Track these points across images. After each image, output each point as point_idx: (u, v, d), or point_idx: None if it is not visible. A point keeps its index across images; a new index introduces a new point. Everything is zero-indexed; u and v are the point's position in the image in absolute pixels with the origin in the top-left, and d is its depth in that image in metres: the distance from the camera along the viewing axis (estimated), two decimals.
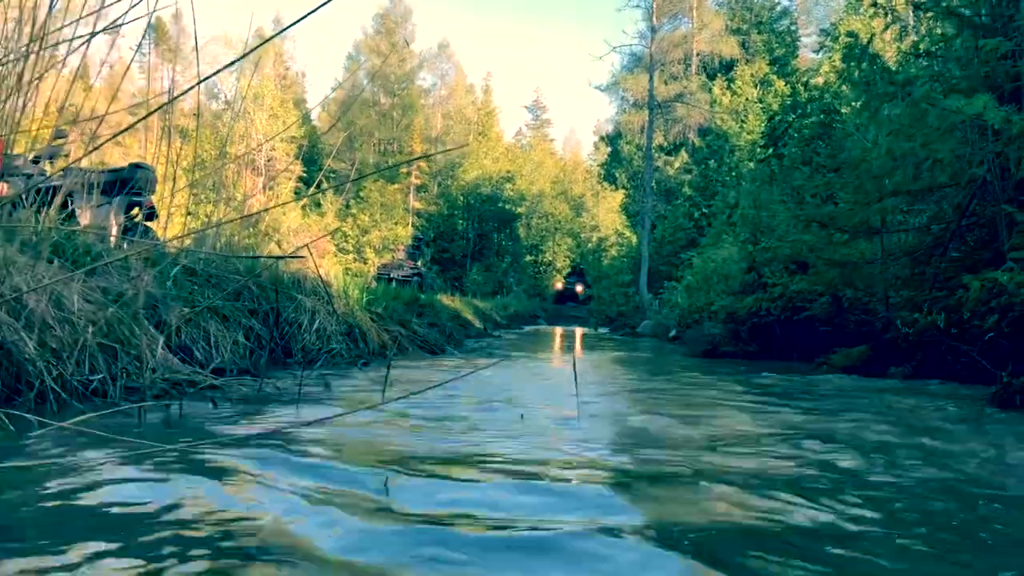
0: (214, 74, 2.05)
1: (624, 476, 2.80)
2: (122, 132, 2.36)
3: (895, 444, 3.74)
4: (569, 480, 2.67)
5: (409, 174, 48.09)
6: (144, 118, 2.15)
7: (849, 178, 8.98)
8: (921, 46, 8.78)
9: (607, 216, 50.15)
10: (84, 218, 7.35)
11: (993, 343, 6.86)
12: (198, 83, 2.25)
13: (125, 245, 6.73)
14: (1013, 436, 4.12)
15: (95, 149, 2.77)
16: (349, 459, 2.85)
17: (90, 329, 4.12)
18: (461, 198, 47.56)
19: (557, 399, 5.12)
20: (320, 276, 7.50)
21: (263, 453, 2.80)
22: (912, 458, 3.36)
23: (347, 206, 44.85)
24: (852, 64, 8.05)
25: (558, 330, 23.99)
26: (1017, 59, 7.51)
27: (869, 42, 7.98)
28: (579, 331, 23.43)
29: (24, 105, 4.54)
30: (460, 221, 47.56)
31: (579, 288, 42.72)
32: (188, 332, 5.36)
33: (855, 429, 4.22)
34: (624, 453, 3.36)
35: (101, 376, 4.06)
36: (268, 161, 39.43)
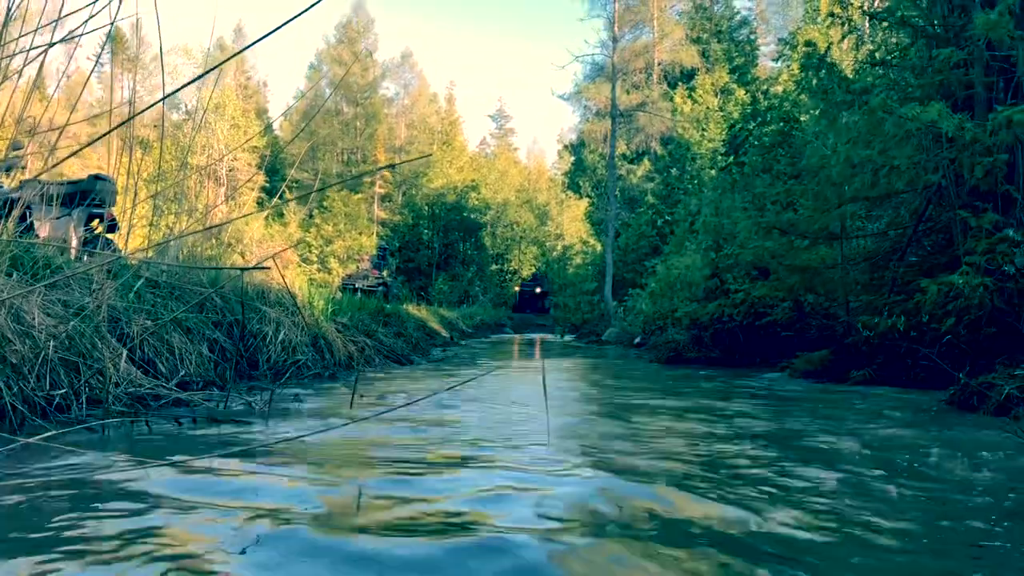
0: (178, 90, 2.04)
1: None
2: (84, 147, 2.33)
3: (844, 443, 3.81)
4: None
5: (373, 184, 47.91)
6: (107, 133, 2.12)
7: (809, 185, 9.12)
8: (877, 55, 8.97)
9: (571, 225, 50.36)
10: (43, 231, 7.22)
11: (950, 346, 7.01)
12: (161, 99, 2.23)
13: (86, 258, 6.62)
14: (968, 435, 4.21)
15: (56, 165, 2.73)
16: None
17: (51, 343, 4.05)
18: (426, 207, 47.49)
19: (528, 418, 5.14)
20: (286, 286, 7.45)
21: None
22: (856, 456, 3.43)
23: (310, 216, 44.55)
24: (810, 73, 8.19)
25: (524, 338, 24.02)
26: (969, 68, 7.70)
27: (827, 51, 8.13)
28: (545, 338, 23.48)
29: None
30: (425, 231, 47.47)
31: (537, 289, 42.94)
32: (151, 345, 5.29)
33: (810, 430, 4.29)
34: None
35: (63, 391, 4.00)
36: (230, 171, 39.06)
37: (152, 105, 2.18)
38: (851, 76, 9.11)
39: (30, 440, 3.08)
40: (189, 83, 2.05)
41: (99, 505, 2.17)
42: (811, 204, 8.85)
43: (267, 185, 36.40)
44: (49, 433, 3.24)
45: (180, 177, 7.77)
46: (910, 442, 3.93)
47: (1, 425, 3.47)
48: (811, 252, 9.35)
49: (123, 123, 2.75)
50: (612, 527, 2.11)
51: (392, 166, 3.68)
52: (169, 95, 2.50)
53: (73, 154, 2.43)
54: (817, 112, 8.92)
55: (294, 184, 42.58)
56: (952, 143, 7.25)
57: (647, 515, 2.26)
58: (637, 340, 16.99)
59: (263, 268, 3.60)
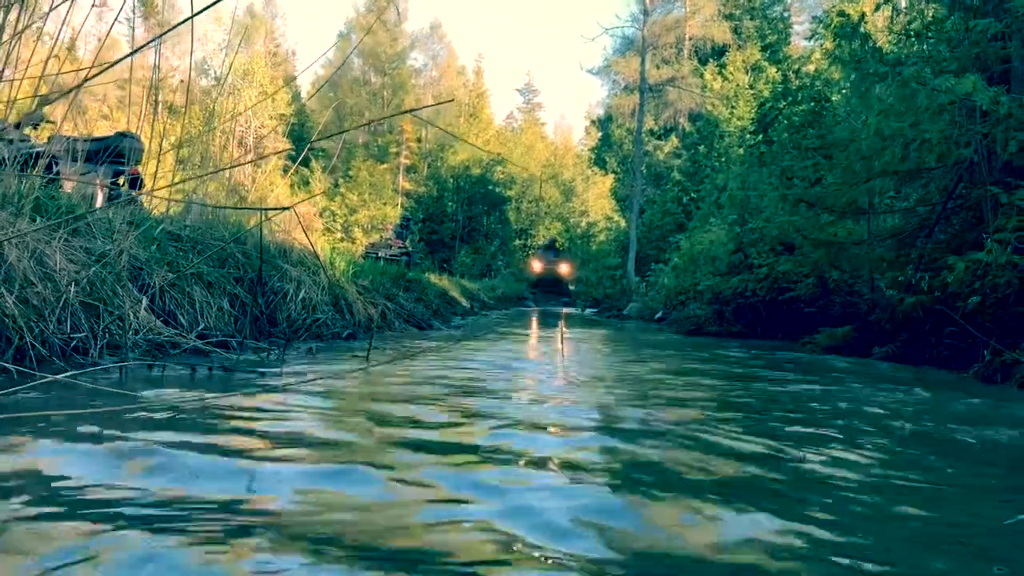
0: (203, 11, 2.03)
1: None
2: (104, 69, 2.32)
3: (872, 411, 3.77)
4: None
5: (399, 154, 47.92)
6: (129, 56, 2.11)
7: (838, 158, 8.99)
8: (912, 26, 8.78)
9: (596, 202, 50.09)
10: (68, 185, 7.29)
11: (974, 325, 6.91)
12: (190, 18, 2.21)
13: (111, 212, 6.67)
14: (992, 407, 4.16)
15: (78, 87, 2.72)
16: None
17: (72, 287, 4.09)
18: (451, 180, 47.40)
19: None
20: (308, 240, 7.47)
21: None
22: (880, 421, 3.40)
23: (336, 185, 44.64)
24: (843, 43, 8.03)
25: (544, 310, 23.99)
26: (1007, 40, 7.51)
27: (860, 20, 7.96)
28: (565, 311, 23.44)
29: (2, 68, 4.47)
30: (449, 203, 47.38)
31: (564, 269, 31.41)
32: (172, 297, 5.33)
33: (833, 399, 4.25)
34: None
35: (83, 335, 4.03)
36: (257, 139, 39.16)
37: (172, 28, 2.16)
38: (885, 49, 8.93)
39: (57, 377, 3.12)
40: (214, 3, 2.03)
41: None
42: (839, 177, 8.72)
43: (293, 152, 36.45)
44: (70, 372, 3.28)
45: (205, 131, 7.79)
46: (932, 407, 3.88)
47: (20, 364, 3.50)
48: (837, 227, 9.24)
49: (137, 50, 2.73)
50: None
51: (415, 110, 3.65)
52: (195, 15, 2.47)
53: (94, 76, 2.41)
54: (849, 83, 8.76)
55: (320, 153, 42.70)
56: (986, 117, 7.10)
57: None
58: (658, 315, 16.92)
59: (284, 209, 3.61)
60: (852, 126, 9.22)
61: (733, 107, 35.64)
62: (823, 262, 9.42)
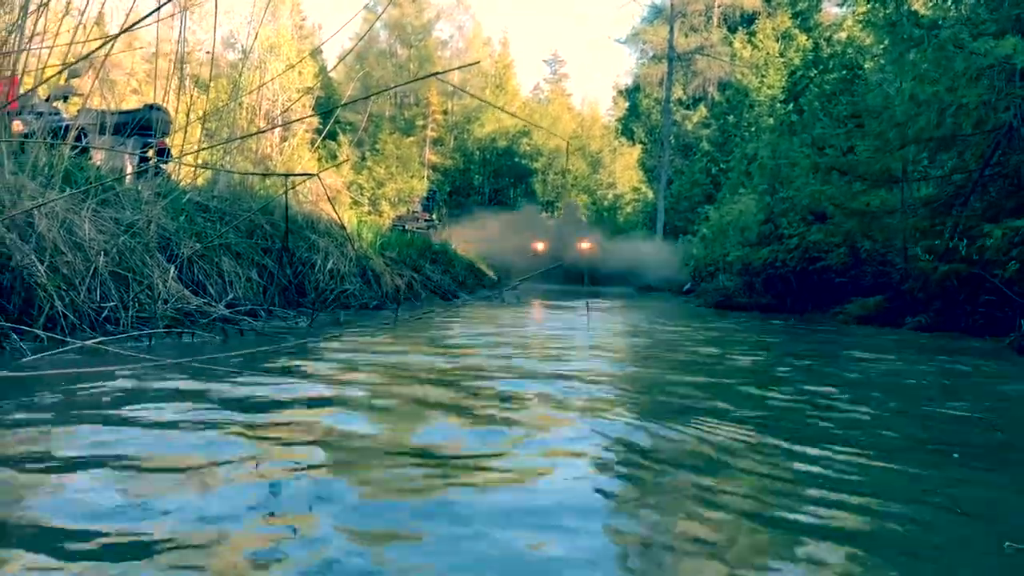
0: None
1: None
2: (126, 29, 2.30)
3: (903, 381, 3.71)
4: None
5: (425, 127, 47.76)
6: (154, 12, 2.08)
7: (871, 126, 8.81)
8: None
9: (624, 173, 49.58)
10: (98, 157, 7.33)
11: (1009, 294, 6.78)
12: None
13: (139, 183, 6.71)
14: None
15: (100, 48, 2.70)
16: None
17: (102, 257, 4.11)
18: (477, 152, 47.19)
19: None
20: (333, 210, 7.48)
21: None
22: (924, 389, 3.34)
23: (363, 159, 44.63)
24: (876, 5, 7.84)
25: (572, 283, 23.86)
26: None
27: None
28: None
29: (31, 37, 4.48)
30: (476, 176, 47.22)
31: (586, 246, 25.09)
32: (201, 267, 5.35)
33: (873, 367, 4.19)
34: None
35: (113, 304, 4.06)
36: (284, 112, 39.20)
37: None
38: (920, 12, 8.71)
39: (87, 343, 3.16)
40: None
41: None
42: (872, 145, 8.55)
43: (320, 126, 36.48)
44: (100, 338, 3.31)
45: (231, 104, 7.79)
46: (967, 376, 3.81)
47: (52, 331, 3.53)
48: (870, 195, 9.08)
49: (153, 13, 2.71)
50: None
51: (441, 73, 3.62)
52: None
53: (119, 35, 2.39)
54: (882, 49, 8.57)
55: (347, 126, 42.69)
56: None
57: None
58: (686, 287, 16.83)
59: (309, 176, 3.61)
60: (885, 93, 9.03)
61: (763, 76, 35.12)
62: (855, 231, 9.28)
